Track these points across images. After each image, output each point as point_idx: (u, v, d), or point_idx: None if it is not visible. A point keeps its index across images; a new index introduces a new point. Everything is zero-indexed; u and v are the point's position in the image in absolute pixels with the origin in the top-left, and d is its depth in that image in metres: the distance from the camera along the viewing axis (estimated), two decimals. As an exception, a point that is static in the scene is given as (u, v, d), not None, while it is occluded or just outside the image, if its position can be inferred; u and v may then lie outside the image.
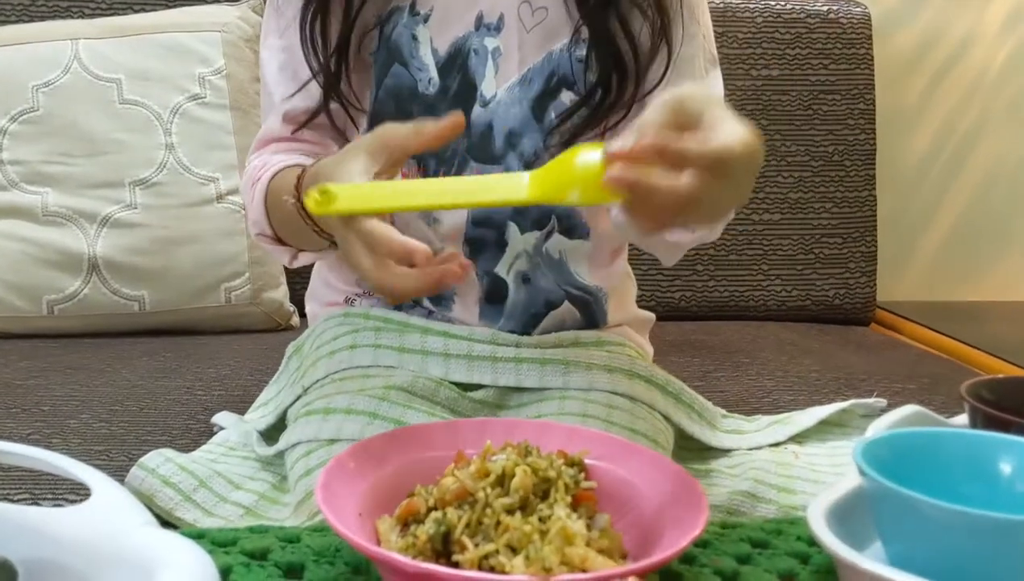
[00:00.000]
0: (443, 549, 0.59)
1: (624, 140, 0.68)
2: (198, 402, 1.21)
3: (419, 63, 1.01)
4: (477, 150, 1.01)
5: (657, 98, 0.72)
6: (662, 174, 0.66)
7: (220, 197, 1.52)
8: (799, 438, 1.10)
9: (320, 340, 1.03)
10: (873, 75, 1.80)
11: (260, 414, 1.07)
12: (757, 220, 1.76)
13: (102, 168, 1.50)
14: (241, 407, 1.14)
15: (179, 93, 1.54)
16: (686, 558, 0.69)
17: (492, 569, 0.58)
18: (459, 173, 1.01)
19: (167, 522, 0.91)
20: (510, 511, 0.60)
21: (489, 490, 0.61)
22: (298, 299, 1.41)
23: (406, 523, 0.63)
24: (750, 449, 1.07)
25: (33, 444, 1.06)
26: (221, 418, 1.11)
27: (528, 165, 1.01)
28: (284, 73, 1.03)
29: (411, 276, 0.75)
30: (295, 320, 1.58)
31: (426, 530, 0.59)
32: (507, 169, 1.01)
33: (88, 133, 1.51)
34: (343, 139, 1.04)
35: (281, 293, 1.57)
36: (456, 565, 0.58)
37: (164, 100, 1.53)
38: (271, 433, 1.03)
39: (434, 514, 0.61)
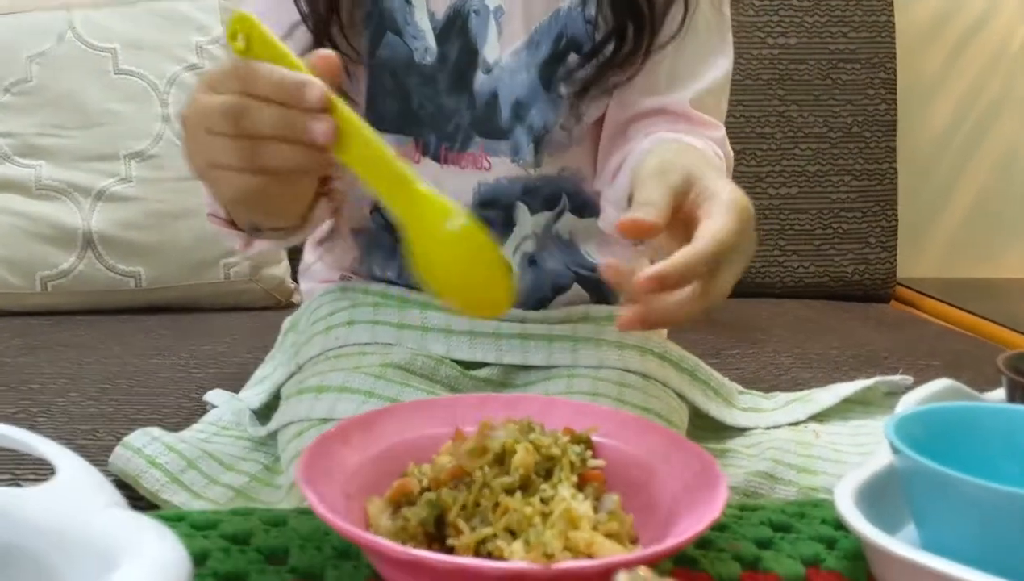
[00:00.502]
0: (437, 533, 0.55)
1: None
2: (192, 380, 1.16)
3: (414, 30, 0.93)
4: (482, 123, 0.94)
5: (652, 166, 0.71)
6: (665, 300, 0.65)
7: (218, 170, 1.47)
8: (820, 417, 1.05)
9: (316, 315, 0.98)
10: (894, 43, 1.75)
11: (254, 392, 1.02)
12: (774, 194, 1.70)
13: (97, 140, 1.46)
14: (237, 385, 1.09)
15: (176, 63, 1.50)
16: (702, 543, 0.64)
17: (490, 555, 0.53)
18: (463, 150, 0.94)
19: (154, 505, 0.87)
20: (509, 491, 0.55)
21: (487, 469, 0.56)
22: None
23: (399, 505, 0.58)
24: (768, 428, 1.02)
25: (18, 423, 1.02)
26: (214, 396, 1.06)
27: (538, 139, 0.95)
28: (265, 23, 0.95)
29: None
30: (296, 297, 1.53)
31: (417, 513, 0.54)
32: (515, 144, 0.95)
33: (82, 104, 1.47)
34: None
35: (282, 269, 1.53)
36: (450, 550, 0.53)
37: (160, 70, 1.49)
38: (265, 411, 0.98)
39: (427, 495, 0.56)
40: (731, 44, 1.00)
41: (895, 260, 1.75)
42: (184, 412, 1.07)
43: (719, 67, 0.99)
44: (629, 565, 0.44)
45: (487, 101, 0.94)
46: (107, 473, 0.89)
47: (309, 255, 1.10)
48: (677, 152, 0.77)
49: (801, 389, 1.12)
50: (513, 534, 0.53)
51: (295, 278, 1.51)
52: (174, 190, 1.46)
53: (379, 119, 0.93)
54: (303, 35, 0.93)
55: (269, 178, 0.64)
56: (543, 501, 0.54)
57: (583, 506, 0.54)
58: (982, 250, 2.01)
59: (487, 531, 0.53)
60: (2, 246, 1.43)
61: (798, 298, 1.69)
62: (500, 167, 0.95)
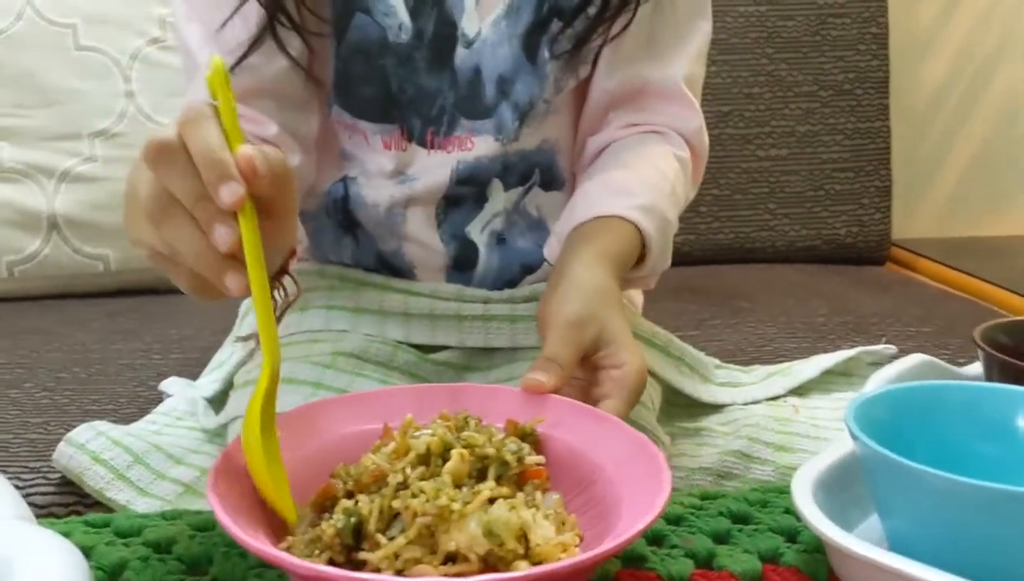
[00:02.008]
0: (355, 544, 0.51)
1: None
2: (152, 367, 1.13)
3: (385, 7, 0.85)
4: (466, 103, 0.88)
5: (573, 314, 0.72)
6: None
7: (185, 147, 1.43)
8: (800, 390, 1.01)
9: (270, 298, 0.94)
10: (886, -4, 1.69)
11: (209, 379, 0.98)
12: (763, 156, 1.65)
13: (59, 119, 1.42)
14: (198, 371, 1.05)
15: (138, 37, 1.45)
16: (654, 538, 0.60)
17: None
18: (449, 133, 0.89)
19: (100, 503, 0.83)
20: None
21: (409, 470, 0.52)
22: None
23: (323, 510, 0.54)
24: (746, 404, 0.98)
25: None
26: (169, 384, 1.03)
27: (523, 116, 0.89)
28: (213, 15, 0.83)
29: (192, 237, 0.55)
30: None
31: (334, 523, 0.50)
32: (499, 122, 0.88)
33: (43, 83, 1.43)
34: (298, 115, 0.87)
35: (256, 248, 1.49)
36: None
37: (122, 45, 1.45)
38: (221, 399, 0.94)
39: (343, 503, 0.52)
40: (710, 7, 0.95)
41: (889, 221, 1.70)
42: (140, 401, 1.03)
43: (702, 32, 0.94)
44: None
45: (470, 79, 0.88)
46: (52, 470, 0.86)
47: None
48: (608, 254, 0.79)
49: (784, 360, 1.08)
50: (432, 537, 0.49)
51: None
52: (140, 169, 1.41)
53: (357, 108, 0.88)
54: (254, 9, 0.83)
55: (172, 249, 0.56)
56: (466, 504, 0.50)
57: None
58: (982, 207, 1.96)
59: (400, 542, 0.49)
60: (-35, 231, 1.40)
61: (789, 263, 1.64)
62: (482, 146, 0.89)
